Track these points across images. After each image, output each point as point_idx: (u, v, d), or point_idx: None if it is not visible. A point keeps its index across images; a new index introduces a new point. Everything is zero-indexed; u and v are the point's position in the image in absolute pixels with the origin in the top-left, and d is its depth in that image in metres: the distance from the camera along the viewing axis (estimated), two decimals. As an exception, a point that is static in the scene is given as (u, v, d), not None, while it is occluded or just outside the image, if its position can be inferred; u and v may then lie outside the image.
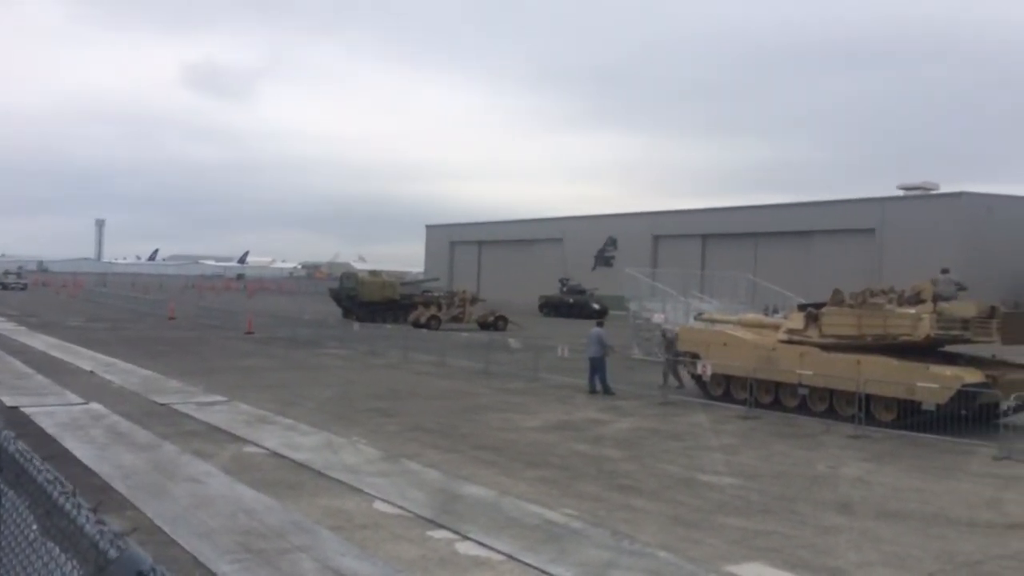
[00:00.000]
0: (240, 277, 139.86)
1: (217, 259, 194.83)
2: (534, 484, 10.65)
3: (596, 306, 48.30)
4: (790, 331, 17.57)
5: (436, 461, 11.76)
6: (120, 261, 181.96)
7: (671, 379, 20.70)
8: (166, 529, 8.20)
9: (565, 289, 57.06)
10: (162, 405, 15.83)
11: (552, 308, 55.11)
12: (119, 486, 9.79)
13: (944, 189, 56.87)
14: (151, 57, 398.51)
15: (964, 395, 14.45)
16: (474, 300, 45.34)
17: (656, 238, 68.88)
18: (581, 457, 12.48)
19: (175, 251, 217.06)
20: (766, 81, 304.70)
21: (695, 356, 19.01)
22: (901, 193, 58.43)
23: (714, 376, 18.39)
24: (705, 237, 65.41)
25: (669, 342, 21.12)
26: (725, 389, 18.39)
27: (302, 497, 9.59)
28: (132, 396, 16.89)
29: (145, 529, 8.23)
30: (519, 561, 7.57)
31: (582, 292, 55.14)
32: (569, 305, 52.63)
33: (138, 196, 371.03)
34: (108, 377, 19.39)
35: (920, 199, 56.27)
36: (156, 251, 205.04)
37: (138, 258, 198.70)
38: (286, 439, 12.90)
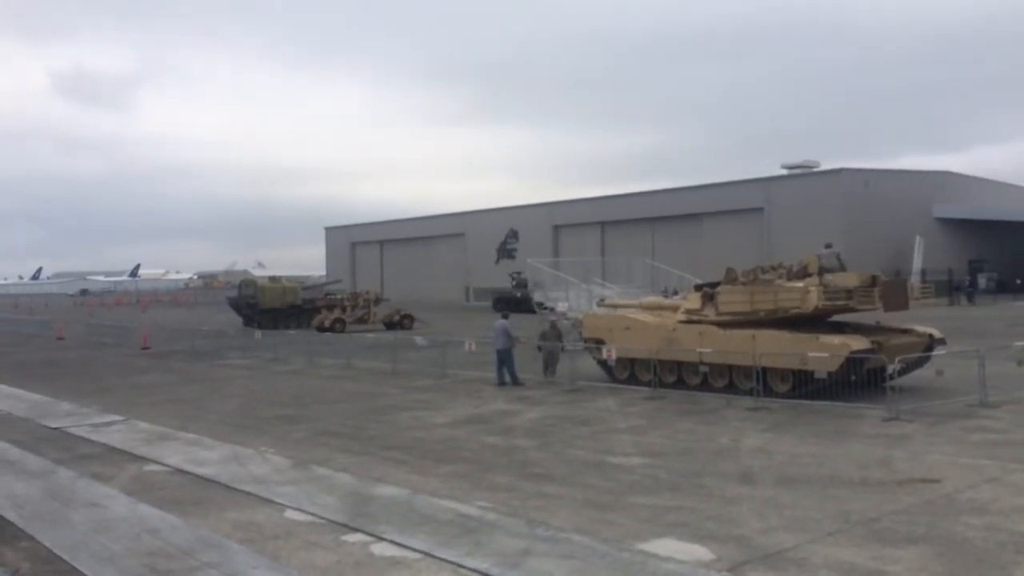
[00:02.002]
0: (84, 293, 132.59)
1: (107, 274, 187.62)
2: (447, 480, 10.67)
3: None
4: (688, 311, 18.05)
5: (346, 465, 11.64)
6: (0, 282, 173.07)
7: (549, 369, 20.34)
8: (65, 557, 7.87)
9: (515, 283, 55.60)
10: (54, 429, 15.16)
11: (505, 304, 53.53)
12: (12, 516, 9.35)
13: (824, 167, 59.47)
14: (14, 65, 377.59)
15: (853, 362, 15.16)
16: (378, 300, 44.98)
17: (556, 228, 69.72)
18: (492, 449, 12.55)
19: (60, 268, 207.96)
20: (648, 72, 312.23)
21: (600, 342, 19.32)
22: (785, 172, 60.81)
23: (619, 360, 18.75)
24: (603, 224, 66.59)
25: (558, 332, 21.21)
26: (630, 372, 18.77)
27: (209, 512, 9.35)
28: (21, 422, 16.12)
29: (43, 559, 7.90)
30: (435, 557, 7.57)
31: None
32: (518, 300, 51.20)
33: (14, 213, 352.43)
34: (-7, 404, 18.44)
35: (803, 177, 58.67)
36: (40, 269, 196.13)
37: (20, 278, 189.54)
38: (189, 455, 12.54)
